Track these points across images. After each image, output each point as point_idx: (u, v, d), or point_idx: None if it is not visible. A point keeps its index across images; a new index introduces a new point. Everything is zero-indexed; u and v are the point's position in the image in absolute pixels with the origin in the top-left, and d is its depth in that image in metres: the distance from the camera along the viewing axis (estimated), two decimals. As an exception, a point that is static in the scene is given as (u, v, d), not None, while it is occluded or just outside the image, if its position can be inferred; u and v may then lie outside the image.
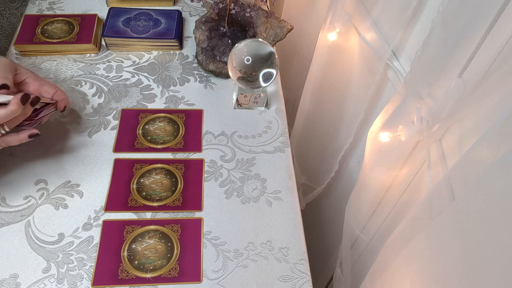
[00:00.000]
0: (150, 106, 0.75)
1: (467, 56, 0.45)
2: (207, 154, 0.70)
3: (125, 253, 0.59)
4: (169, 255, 0.59)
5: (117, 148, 0.69)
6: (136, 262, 0.58)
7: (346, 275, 0.80)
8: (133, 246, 0.59)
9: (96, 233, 0.60)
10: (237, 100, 0.76)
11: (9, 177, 0.65)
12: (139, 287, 0.57)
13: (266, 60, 0.70)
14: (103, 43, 0.83)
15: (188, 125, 0.73)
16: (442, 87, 0.48)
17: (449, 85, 0.46)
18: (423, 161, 0.56)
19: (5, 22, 0.99)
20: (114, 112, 0.74)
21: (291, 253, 0.61)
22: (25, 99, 0.55)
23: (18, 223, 0.60)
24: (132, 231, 0.61)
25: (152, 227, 0.61)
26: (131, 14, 0.85)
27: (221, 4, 0.77)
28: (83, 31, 0.83)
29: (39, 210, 0.62)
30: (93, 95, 0.76)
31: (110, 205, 0.63)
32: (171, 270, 0.58)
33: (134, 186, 0.65)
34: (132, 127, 0.72)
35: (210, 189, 0.66)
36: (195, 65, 0.83)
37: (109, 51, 0.83)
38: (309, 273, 0.59)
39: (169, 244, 0.60)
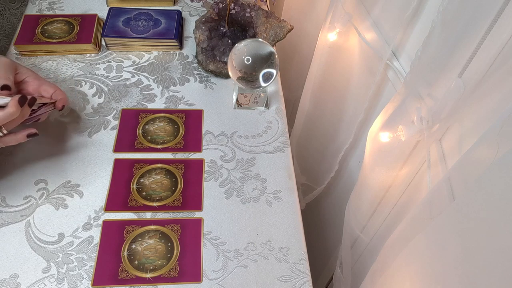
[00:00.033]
0: (150, 106, 0.75)
1: (467, 56, 0.45)
2: (207, 154, 0.70)
3: (125, 253, 0.59)
4: (169, 255, 0.59)
5: (117, 148, 0.69)
6: (136, 262, 0.58)
7: (346, 275, 0.80)
8: (133, 246, 0.59)
9: (96, 233, 0.60)
10: (237, 100, 0.76)
11: (9, 177, 0.65)
12: (139, 287, 0.57)
13: (266, 60, 0.70)
14: (103, 43, 0.83)
15: (188, 125, 0.73)
16: (442, 87, 0.48)
17: (449, 85, 0.46)
18: (423, 161, 0.56)
19: (5, 22, 0.99)
20: (114, 112, 0.74)
21: (291, 253, 0.61)
22: (22, 101, 0.55)
23: (18, 223, 0.60)
24: (132, 231, 0.61)
25: (152, 227, 0.61)
26: (131, 14, 0.85)
27: (221, 4, 0.77)
28: (83, 31, 0.83)
29: (39, 210, 0.62)
30: (93, 95, 0.76)
31: (110, 205, 0.63)
32: (171, 270, 0.58)
33: (134, 186, 0.65)
34: (132, 127, 0.72)
35: (210, 189, 0.66)
36: (195, 65, 0.83)
37: (109, 51, 0.83)
38: (309, 273, 0.59)
39: (169, 244, 0.60)
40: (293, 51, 1.17)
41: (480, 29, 0.42)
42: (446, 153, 0.52)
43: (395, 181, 0.62)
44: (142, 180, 0.66)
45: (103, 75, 0.79)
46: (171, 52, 0.84)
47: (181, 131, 0.72)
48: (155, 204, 0.64)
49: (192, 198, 0.65)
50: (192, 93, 0.78)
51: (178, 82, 0.80)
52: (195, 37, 0.81)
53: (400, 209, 0.63)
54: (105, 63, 0.81)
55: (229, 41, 0.80)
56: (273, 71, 0.71)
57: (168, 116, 0.74)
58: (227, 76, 0.81)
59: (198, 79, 0.81)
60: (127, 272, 0.57)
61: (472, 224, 0.34)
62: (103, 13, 0.88)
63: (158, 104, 0.76)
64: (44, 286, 0.55)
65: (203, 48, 0.80)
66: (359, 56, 0.78)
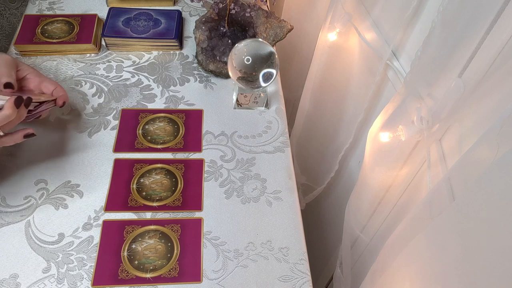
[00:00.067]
0: (150, 106, 0.75)
1: (467, 56, 0.45)
2: (207, 154, 0.70)
3: (125, 253, 0.59)
4: (169, 255, 0.59)
5: (117, 148, 0.69)
6: (136, 262, 0.58)
7: (346, 275, 0.80)
8: (133, 246, 0.59)
9: (96, 233, 0.60)
10: (237, 100, 0.76)
11: (9, 177, 0.65)
12: (139, 287, 0.57)
13: (266, 60, 0.70)
14: (103, 43, 0.83)
15: (188, 125, 0.73)
16: (442, 87, 0.48)
17: (449, 85, 0.46)
18: (423, 161, 0.56)
19: (5, 22, 0.99)
20: (114, 112, 0.74)
21: (291, 253, 0.61)
22: (18, 102, 0.54)
23: (18, 223, 0.60)
24: (132, 231, 0.61)
25: (152, 227, 0.61)
26: (131, 14, 0.85)
27: (221, 4, 0.77)
28: (83, 31, 0.83)
29: (39, 210, 0.62)
30: (93, 95, 0.76)
31: (110, 205, 0.63)
32: (171, 270, 0.58)
33: (134, 186, 0.65)
34: (132, 127, 0.72)
35: (210, 189, 0.66)
36: (195, 65, 0.83)
37: (109, 51, 0.83)
38: (309, 273, 0.59)
39: (169, 244, 0.60)
40: (293, 51, 1.17)
41: (480, 29, 0.42)
42: (446, 153, 0.52)
43: (395, 181, 0.62)
44: (142, 180, 0.66)
45: (103, 75, 0.79)
46: (171, 52, 0.84)
47: (181, 131, 0.72)
48: (155, 204, 0.64)
49: (192, 198, 0.65)
50: (192, 93, 0.78)
51: (178, 82, 0.80)
52: (195, 37, 0.81)
53: (400, 209, 0.63)
54: (105, 63, 0.81)
55: (229, 41, 0.80)
56: (273, 71, 0.71)
57: (168, 116, 0.74)
58: (227, 76, 0.81)
59: (198, 79, 0.81)
60: (127, 272, 0.57)
61: (472, 224, 0.34)
62: (103, 13, 0.88)
63: (158, 104, 0.76)
64: (44, 286, 0.55)
65: (203, 48, 0.80)
66: (359, 56, 0.78)
